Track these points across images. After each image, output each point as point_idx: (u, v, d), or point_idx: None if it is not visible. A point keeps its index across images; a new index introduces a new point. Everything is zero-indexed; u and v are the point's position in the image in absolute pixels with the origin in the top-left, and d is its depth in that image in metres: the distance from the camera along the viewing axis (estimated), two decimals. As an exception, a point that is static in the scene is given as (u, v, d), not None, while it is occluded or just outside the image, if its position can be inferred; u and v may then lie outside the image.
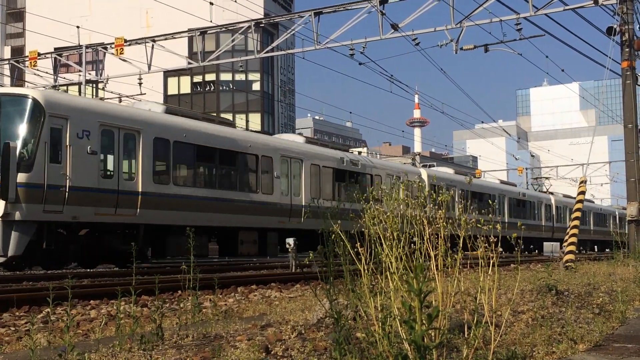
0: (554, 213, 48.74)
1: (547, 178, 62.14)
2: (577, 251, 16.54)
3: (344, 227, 4.27)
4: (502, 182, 46.03)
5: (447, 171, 37.74)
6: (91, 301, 10.47)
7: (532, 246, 43.38)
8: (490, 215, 4.23)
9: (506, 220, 38.16)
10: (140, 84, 30.09)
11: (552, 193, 52.20)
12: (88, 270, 18.60)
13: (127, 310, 8.37)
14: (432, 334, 3.50)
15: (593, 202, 59.55)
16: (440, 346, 3.54)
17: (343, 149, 30.75)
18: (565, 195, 53.28)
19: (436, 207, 4.32)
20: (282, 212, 23.33)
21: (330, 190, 25.72)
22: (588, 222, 54.24)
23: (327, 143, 30.35)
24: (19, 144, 15.82)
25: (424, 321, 3.07)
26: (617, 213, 62.14)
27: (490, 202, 5.27)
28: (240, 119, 59.75)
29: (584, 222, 52.24)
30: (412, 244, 3.97)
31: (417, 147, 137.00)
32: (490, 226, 4.08)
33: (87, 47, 32.02)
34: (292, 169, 24.05)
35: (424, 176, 31.63)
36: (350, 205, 5.13)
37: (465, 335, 3.73)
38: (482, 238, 3.86)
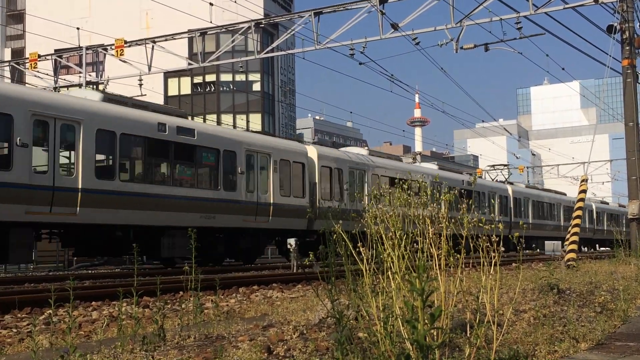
0: (511, 206, 41.85)
1: (505, 165, 52.30)
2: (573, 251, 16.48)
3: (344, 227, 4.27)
4: (443, 167, 39.81)
5: (359, 152, 29.75)
6: (93, 302, 10.48)
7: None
8: (424, 209, 4.18)
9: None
10: (140, 85, 30.09)
11: (511, 183, 45.65)
12: (90, 271, 18.59)
13: (128, 312, 8.37)
14: (435, 334, 3.50)
15: (565, 194, 53.24)
16: (443, 345, 3.54)
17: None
18: (528, 186, 48.24)
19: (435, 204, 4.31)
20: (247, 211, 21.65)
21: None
22: (557, 217, 49.55)
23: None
24: None
25: (426, 321, 3.07)
26: (593, 207, 57.08)
27: (425, 193, 4.55)
28: (240, 120, 59.79)
29: (555, 217, 48.81)
30: (414, 244, 3.97)
31: (418, 147, 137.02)
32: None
33: (87, 48, 32.02)
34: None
35: (313, 155, 25.29)
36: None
37: (468, 335, 3.73)
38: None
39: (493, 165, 50.01)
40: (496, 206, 38.78)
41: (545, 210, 47.92)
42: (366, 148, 30.28)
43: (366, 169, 27.44)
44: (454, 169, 44.95)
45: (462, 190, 35.83)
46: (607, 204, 64.21)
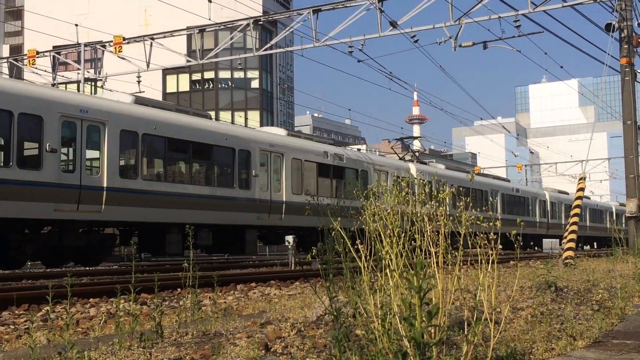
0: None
1: (415, 138, 41.76)
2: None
3: (343, 224, 4.27)
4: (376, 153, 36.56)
5: (276, 132, 25.95)
6: (91, 299, 10.48)
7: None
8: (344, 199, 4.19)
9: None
10: (139, 82, 30.07)
11: (423, 163, 36.22)
12: (88, 268, 18.60)
13: (126, 308, 8.36)
14: (432, 331, 3.50)
15: (509, 181, 48.32)
16: (440, 343, 3.54)
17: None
18: (448, 167, 38.78)
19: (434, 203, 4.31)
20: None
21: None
22: (534, 212, 45.79)
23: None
24: None
25: (423, 318, 3.07)
26: (547, 196, 50.52)
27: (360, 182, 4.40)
28: (239, 117, 59.79)
29: (526, 212, 44.36)
30: (412, 241, 3.98)
31: (417, 144, 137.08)
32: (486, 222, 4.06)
33: (85, 45, 31.98)
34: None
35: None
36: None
37: (465, 332, 3.73)
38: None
39: (401, 139, 37.14)
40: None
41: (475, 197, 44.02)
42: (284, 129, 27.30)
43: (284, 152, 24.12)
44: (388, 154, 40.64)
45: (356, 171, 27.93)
46: (568, 193, 55.29)
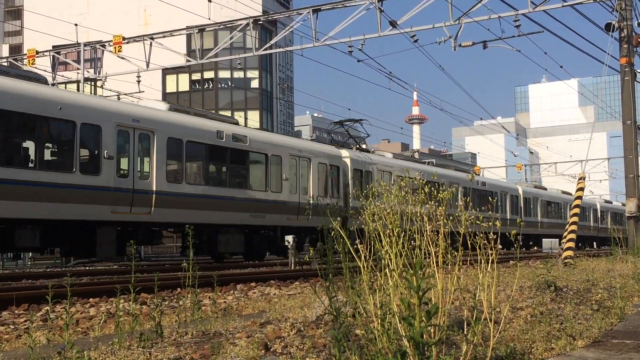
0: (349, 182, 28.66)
1: (357, 121, 32.53)
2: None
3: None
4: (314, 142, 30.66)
5: (154, 105, 21.49)
6: (90, 299, 10.48)
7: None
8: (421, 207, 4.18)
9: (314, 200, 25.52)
10: (138, 81, 30.08)
11: (367, 151, 31.03)
12: (87, 268, 18.61)
13: (126, 308, 8.36)
14: (432, 331, 3.51)
15: (504, 180, 48.01)
16: (440, 343, 3.55)
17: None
18: (396, 156, 35.01)
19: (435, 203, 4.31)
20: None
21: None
22: (503, 208, 41.68)
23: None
24: None
25: (423, 318, 3.08)
26: (522, 193, 45.86)
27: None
28: (238, 117, 59.69)
29: (494, 208, 40.04)
30: (412, 241, 3.97)
31: (416, 144, 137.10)
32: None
33: (85, 45, 31.98)
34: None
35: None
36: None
37: (465, 332, 3.74)
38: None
39: (340, 122, 32.51)
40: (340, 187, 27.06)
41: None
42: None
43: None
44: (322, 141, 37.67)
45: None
46: (546, 189, 52.36)
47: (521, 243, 3.85)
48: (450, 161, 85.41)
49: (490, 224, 4.02)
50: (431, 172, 30.21)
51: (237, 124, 23.71)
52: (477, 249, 3.77)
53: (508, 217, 41.60)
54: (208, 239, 20.65)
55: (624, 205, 73.91)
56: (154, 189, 18.41)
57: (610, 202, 67.03)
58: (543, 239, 36.83)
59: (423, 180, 4.28)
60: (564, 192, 54.61)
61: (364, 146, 32.85)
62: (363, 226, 4.27)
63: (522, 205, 44.76)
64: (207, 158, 20.86)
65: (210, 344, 4.90)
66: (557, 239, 31.26)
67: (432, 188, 4.34)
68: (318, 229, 5.25)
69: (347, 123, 31.92)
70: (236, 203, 21.33)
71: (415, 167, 31.59)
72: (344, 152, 27.31)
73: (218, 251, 21.49)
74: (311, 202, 23.78)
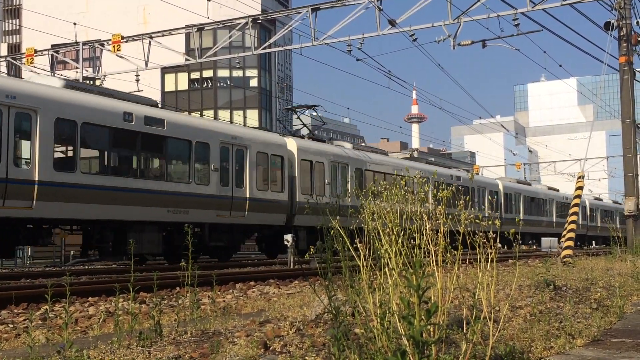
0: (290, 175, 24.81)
1: (312, 107, 29.79)
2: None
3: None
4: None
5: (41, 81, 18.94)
6: (89, 298, 10.48)
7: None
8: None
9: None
10: (137, 80, 30.07)
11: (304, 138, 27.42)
12: (86, 267, 18.60)
13: (125, 307, 8.36)
14: (431, 330, 3.50)
15: (483, 176, 45.43)
16: (439, 341, 3.55)
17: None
18: (359, 148, 30.12)
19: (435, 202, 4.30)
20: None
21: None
22: (481, 205, 37.65)
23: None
24: None
25: (422, 317, 3.07)
26: (502, 189, 43.09)
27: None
28: (237, 116, 59.79)
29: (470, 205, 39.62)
30: (412, 240, 3.97)
31: (415, 143, 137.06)
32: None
33: (84, 44, 31.96)
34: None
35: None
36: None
37: (464, 331, 3.74)
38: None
39: (293, 109, 31.30)
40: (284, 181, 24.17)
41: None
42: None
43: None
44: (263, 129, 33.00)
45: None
46: (530, 184, 49.57)
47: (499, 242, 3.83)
48: (427, 155, 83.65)
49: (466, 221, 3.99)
50: (400, 165, 29.59)
51: (155, 105, 21.00)
52: (477, 248, 3.77)
53: (486, 215, 38.64)
54: (117, 239, 18.09)
55: (614, 202, 72.80)
56: (36, 178, 15.77)
57: (600, 199, 65.22)
58: (542, 238, 36.67)
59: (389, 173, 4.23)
60: (550, 188, 53.00)
61: (349, 142, 30.79)
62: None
63: (502, 201, 42.03)
64: (109, 143, 18.00)
65: (210, 342, 4.90)
66: (553, 238, 31.18)
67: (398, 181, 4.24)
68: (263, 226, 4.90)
69: (300, 110, 29.63)
70: (149, 197, 18.65)
71: (379, 160, 29.15)
72: (290, 141, 24.66)
73: (129, 252, 17.26)
74: (247, 196, 21.81)
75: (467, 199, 4.13)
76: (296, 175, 24.28)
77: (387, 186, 4.13)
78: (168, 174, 19.61)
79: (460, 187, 37.27)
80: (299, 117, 29.02)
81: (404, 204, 4.17)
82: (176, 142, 19.81)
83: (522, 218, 44.20)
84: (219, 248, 22.05)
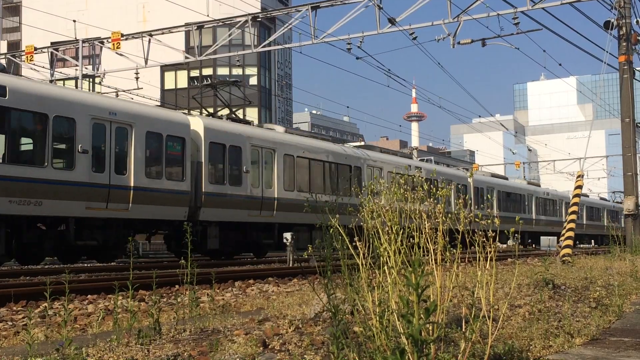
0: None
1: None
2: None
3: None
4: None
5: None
6: (89, 296, 10.49)
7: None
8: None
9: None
10: (137, 78, 30.07)
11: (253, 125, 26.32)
12: (87, 265, 18.59)
13: (124, 305, 8.36)
14: (430, 328, 3.50)
15: (456, 169, 42.99)
16: (438, 340, 3.55)
17: None
18: (291, 132, 27.13)
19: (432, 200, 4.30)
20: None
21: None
22: (447, 200, 37.16)
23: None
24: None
25: (421, 315, 3.07)
26: (472, 183, 40.34)
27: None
28: (237, 114, 59.74)
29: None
30: (411, 238, 3.97)
31: (415, 142, 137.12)
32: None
33: (83, 41, 31.95)
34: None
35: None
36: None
37: (463, 329, 3.74)
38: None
39: (212, 85, 28.59)
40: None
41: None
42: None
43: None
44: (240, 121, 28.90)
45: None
46: (507, 178, 46.68)
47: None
48: (426, 154, 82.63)
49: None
50: (339, 152, 26.93)
51: (3, 70, 17.84)
52: (476, 247, 3.77)
53: (453, 210, 37.03)
54: None
55: (602, 199, 72.05)
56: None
57: (587, 196, 61.01)
58: (541, 237, 36.66)
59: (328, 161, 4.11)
60: (530, 183, 50.11)
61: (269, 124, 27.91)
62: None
63: (472, 196, 38.15)
64: None
65: (209, 340, 4.90)
66: (551, 237, 31.16)
67: (350, 172, 4.17)
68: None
69: (219, 85, 26.98)
70: None
71: (316, 146, 26.08)
72: (195, 120, 20.91)
73: None
74: (132, 185, 18.22)
75: (432, 192, 4.02)
76: (202, 160, 20.54)
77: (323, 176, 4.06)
78: (10, 156, 15.80)
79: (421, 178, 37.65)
80: (216, 95, 25.87)
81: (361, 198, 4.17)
82: (24, 115, 16.24)
83: (495, 215, 42.18)
84: (92, 247, 18.31)
